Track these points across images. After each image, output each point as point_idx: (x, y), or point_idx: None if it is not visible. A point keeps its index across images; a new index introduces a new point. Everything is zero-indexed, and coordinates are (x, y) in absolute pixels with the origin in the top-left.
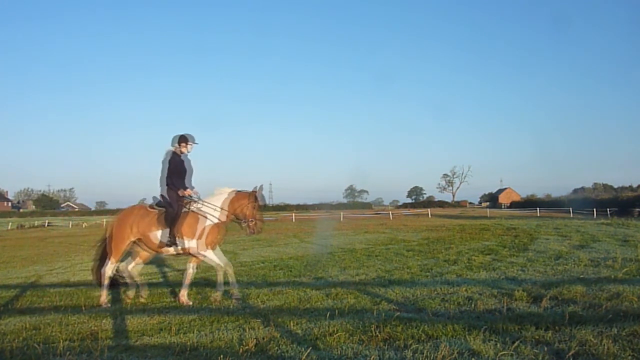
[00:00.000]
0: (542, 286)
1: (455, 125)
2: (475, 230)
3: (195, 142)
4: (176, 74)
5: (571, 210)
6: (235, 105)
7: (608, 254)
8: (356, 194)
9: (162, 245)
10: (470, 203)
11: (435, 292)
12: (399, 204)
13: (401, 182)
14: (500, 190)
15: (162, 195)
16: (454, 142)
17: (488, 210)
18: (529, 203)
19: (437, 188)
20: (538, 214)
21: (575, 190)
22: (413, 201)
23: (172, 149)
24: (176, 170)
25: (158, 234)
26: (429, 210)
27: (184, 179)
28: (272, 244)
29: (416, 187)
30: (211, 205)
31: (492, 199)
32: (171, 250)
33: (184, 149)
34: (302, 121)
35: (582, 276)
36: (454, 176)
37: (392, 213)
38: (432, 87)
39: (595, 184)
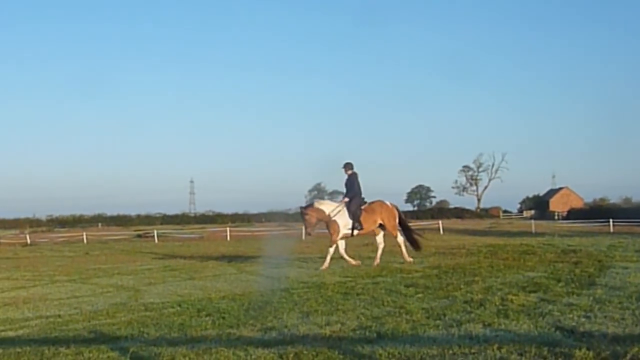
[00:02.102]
0: (619, 342)
1: (483, 92)
2: (513, 255)
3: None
4: None
5: None
6: (123, 64)
7: None
8: (327, 198)
9: None
10: (505, 211)
11: (451, 352)
12: None
13: (397, 178)
14: (553, 192)
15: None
16: (479, 118)
17: (533, 222)
18: (597, 211)
19: (454, 188)
20: (612, 229)
21: None
22: (415, 208)
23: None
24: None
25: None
26: (440, 222)
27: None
28: (194, 276)
29: (420, 186)
30: None
31: (539, 205)
32: None
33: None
34: (235, 85)
35: None
36: (480, 169)
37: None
38: (444, 32)
39: None
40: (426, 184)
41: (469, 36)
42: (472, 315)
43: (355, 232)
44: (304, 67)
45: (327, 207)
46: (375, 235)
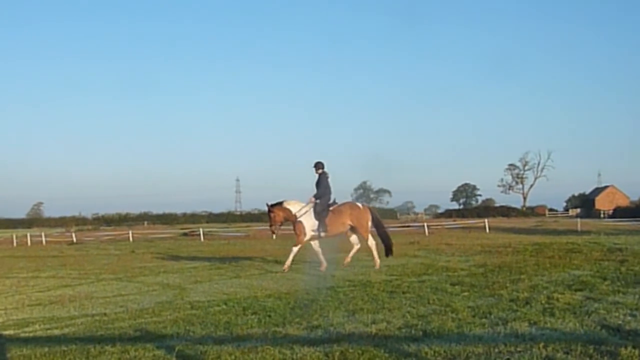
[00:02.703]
0: None
1: (527, 89)
2: (559, 253)
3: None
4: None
5: None
6: (171, 63)
7: None
8: (372, 196)
9: None
10: (551, 210)
11: (497, 350)
12: (440, 210)
13: (443, 177)
14: (599, 190)
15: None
16: (525, 116)
17: (579, 220)
18: None
19: (499, 186)
20: None
21: None
22: (461, 207)
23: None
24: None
25: None
26: (486, 220)
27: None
28: (240, 274)
29: (466, 185)
30: None
31: (585, 204)
32: None
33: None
34: (281, 84)
35: None
36: (526, 168)
37: (428, 225)
38: (489, 30)
39: None
40: (472, 183)
41: (515, 34)
42: (518, 313)
43: (323, 234)
44: (350, 66)
45: (295, 206)
46: (348, 236)
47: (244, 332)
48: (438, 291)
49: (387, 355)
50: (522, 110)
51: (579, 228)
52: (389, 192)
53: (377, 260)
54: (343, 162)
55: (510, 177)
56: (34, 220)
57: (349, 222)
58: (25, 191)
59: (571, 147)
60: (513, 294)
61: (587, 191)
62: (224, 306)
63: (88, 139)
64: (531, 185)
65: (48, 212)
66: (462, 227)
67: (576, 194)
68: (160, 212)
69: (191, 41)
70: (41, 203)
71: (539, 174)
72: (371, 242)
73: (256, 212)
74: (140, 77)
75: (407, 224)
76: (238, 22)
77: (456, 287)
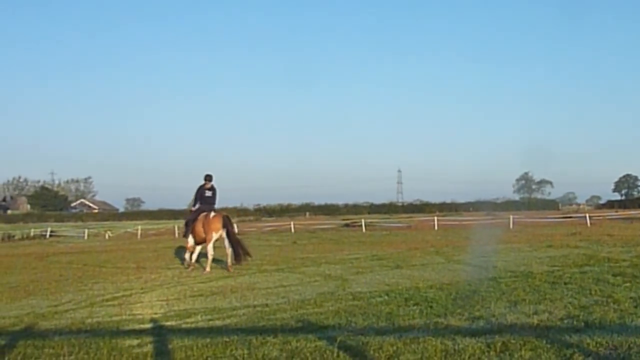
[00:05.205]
0: None
1: None
2: None
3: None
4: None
5: None
6: (334, 55)
7: None
8: (534, 187)
9: None
10: None
11: None
12: (602, 202)
13: (605, 168)
14: None
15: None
16: None
17: None
18: None
19: None
20: None
21: None
22: (623, 198)
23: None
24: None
25: None
26: None
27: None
28: (402, 265)
29: (628, 176)
30: None
31: None
32: None
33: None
34: (444, 77)
35: None
36: None
37: (590, 216)
38: None
39: None
40: (634, 174)
41: None
42: None
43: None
44: (511, 58)
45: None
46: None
47: (405, 323)
48: (600, 282)
49: (548, 346)
50: None
51: None
52: (550, 183)
53: (230, 267)
54: (506, 153)
55: None
56: None
57: (202, 230)
58: (188, 182)
59: None
60: None
61: None
62: (386, 297)
63: (251, 130)
64: None
65: None
66: (624, 218)
67: None
68: (322, 203)
69: (354, 33)
70: None
71: None
72: (208, 248)
73: (418, 202)
74: (304, 69)
75: (568, 215)
76: (402, 14)
77: (618, 278)
